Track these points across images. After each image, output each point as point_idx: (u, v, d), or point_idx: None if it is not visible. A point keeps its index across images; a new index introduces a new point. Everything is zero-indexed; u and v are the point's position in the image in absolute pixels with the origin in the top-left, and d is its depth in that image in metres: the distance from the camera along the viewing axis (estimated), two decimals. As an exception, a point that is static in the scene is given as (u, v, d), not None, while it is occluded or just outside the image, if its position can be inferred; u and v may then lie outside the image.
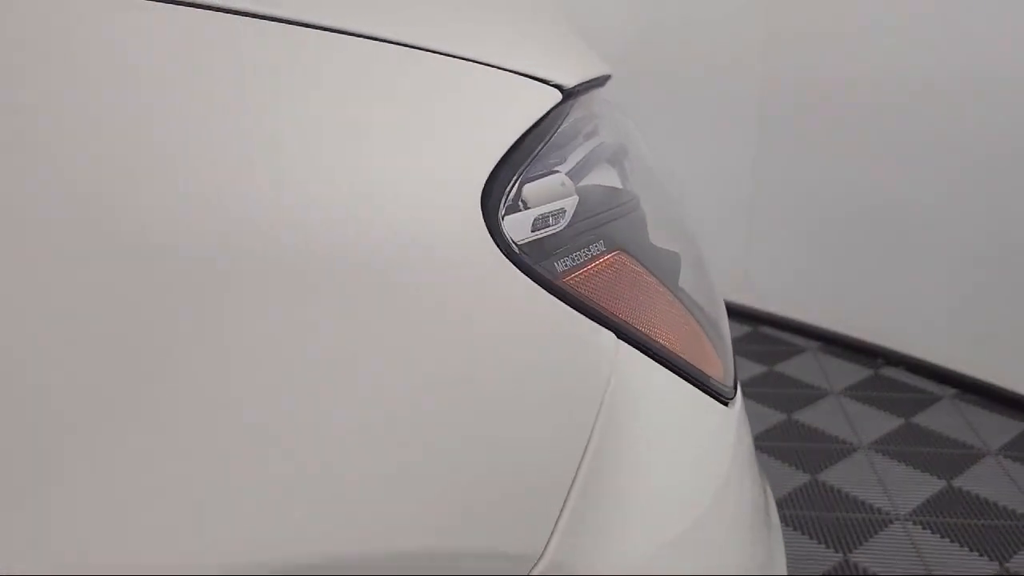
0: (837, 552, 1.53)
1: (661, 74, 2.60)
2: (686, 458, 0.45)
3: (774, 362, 2.33)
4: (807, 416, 2.02)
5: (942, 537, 1.56)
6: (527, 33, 0.44)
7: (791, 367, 2.30)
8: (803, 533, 1.59)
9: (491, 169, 0.35)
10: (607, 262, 0.39)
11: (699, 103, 2.59)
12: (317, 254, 0.29)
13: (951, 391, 2.13)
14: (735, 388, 0.50)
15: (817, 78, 2.27)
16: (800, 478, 1.76)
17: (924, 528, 1.59)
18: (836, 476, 1.77)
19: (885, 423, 1.99)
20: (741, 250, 2.61)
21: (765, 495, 0.62)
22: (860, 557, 1.51)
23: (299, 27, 0.32)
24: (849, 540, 1.57)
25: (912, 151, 2.11)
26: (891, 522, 1.61)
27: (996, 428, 1.95)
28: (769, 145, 2.45)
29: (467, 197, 0.34)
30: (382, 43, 0.34)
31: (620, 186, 0.44)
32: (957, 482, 1.74)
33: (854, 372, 2.25)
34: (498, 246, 0.34)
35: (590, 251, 0.39)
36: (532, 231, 0.36)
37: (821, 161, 2.34)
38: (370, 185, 0.31)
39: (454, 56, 0.36)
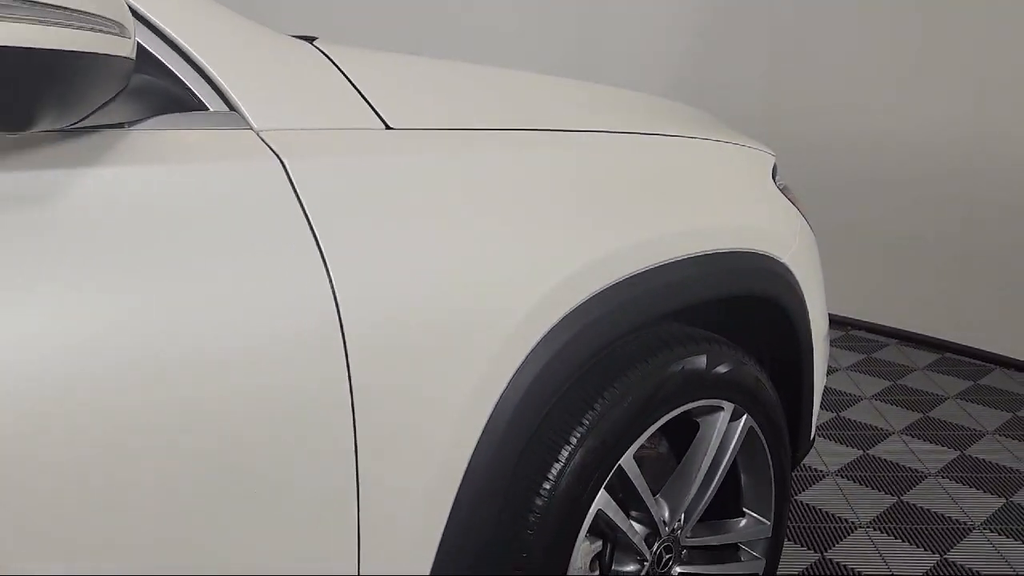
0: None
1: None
2: (818, 263, 1.57)
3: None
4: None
5: (891, 412, 2.70)
6: (725, 128, 1.54)
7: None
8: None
9: (771, 170, 1.47)
10: (791, 193, 1.51)
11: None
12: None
13: (894, 340, 3.28)
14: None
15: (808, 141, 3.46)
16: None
17: (883, 400, 2.72)
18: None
19: (853, 358, 3.13)
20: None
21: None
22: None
23: (693, 140, 1.41)
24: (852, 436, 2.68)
25: (862, 185, 3.30)
26: (858, 400, 2.74)
27: (922, 357, 3.11)
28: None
29: (768, 175, 1.46)
30: (722, 143, 1.43)
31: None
32: (902, 380, 2.88)
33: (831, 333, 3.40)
34: (775, 185, 1.45)
35: (786, 191, 1.49)
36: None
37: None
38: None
39: (735, 143, 1.46)
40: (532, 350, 1.00)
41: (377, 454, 0.88)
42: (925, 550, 1.90)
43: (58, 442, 0.68)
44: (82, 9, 0.61)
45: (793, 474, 1.59)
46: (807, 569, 1.83)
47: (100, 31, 0.63)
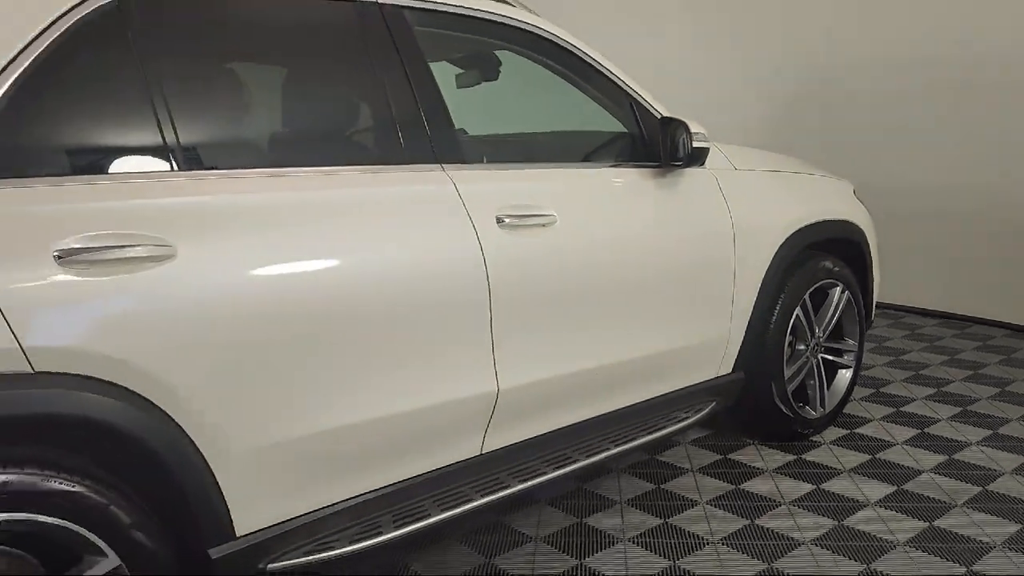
0: (874, 344, 4.43)
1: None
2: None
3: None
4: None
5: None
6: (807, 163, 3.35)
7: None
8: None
9: (853, 190, 3.30)
10: (862, 201, 3.33)
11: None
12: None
13: (905, 314, 5.07)
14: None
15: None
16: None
17: (909, 339, 4.51)
18: (870, 332, 4.68)
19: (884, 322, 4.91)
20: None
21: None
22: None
23: (825, 176, 3.18)
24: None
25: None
26: (890, 338, 4.52)
27: (926, 320, 4.89)
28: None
29: (851, 192, 3.28)
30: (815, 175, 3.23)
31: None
32: (919, 331, 4.66)
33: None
34: (855, 196, 3.29)
35: (860, 199, 3.32)
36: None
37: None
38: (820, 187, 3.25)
39: (818, 175, 3.26)
40: (779, 246, 2.84)
41: (739, 289, 2.72)
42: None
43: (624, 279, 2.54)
44: (702, 132, 2.49)
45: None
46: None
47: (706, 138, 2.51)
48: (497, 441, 2.18)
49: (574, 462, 2.36)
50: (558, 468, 2.32)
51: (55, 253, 1.45)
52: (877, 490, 2.71)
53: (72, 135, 1.61)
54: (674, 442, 3.14)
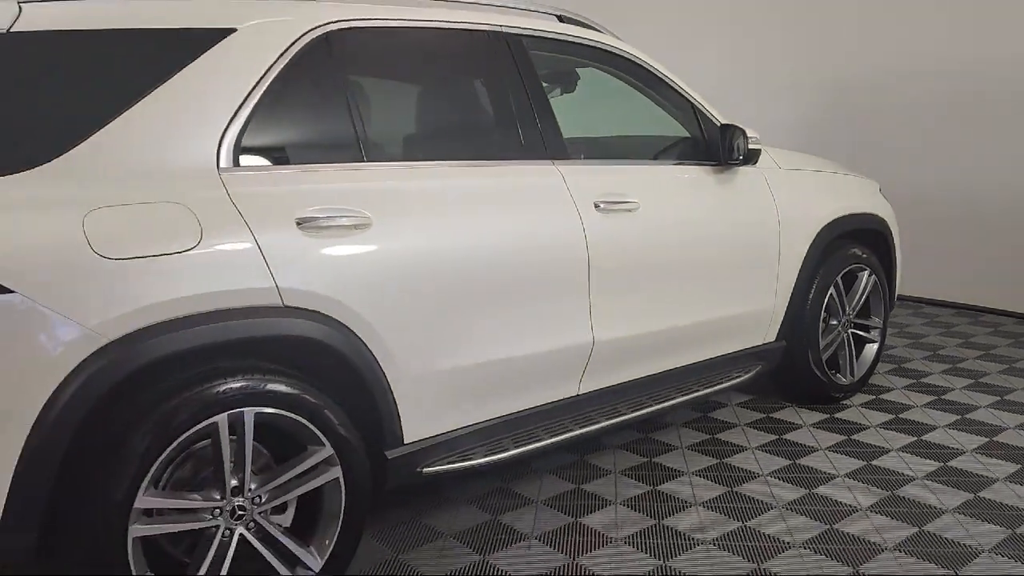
0: (896, 330, 4.91)
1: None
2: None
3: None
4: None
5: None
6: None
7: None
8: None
9: (879, 188, 3.79)
10: (887, 197, 3.83)
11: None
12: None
13: (919, 304, 5.54)
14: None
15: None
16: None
17: (926, 325, 4.98)
18: (892, 320, 5.15)
19: (905, 309, 5.38)
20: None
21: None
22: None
23: (856, 176, 3.69)
24: (899, 328, 4.97)
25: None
26: (909, 325, 5.00)
27: (942, 310, 5.36)
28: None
29: (877, 189, 3.78)
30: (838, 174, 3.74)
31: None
32: (938, 319, 5.13)
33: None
34: (880, 193, 3.79)
35: (885, 196, 3.81)
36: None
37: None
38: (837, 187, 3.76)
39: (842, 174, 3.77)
40: (816, 234, 3.35)
41: (782, 270, 3.24)
42: (946, 365, 4.17)
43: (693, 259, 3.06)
44: (755, 136, 3.01)
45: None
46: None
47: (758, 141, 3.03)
48: (590, 385, 2.70)
49: (648, 407, 2.87)
50: (636, 410, 2.83)
51: (296, 220, 1.99)
52: (899, 440, 3.20)
53: (297, 135, 2.15)
54: (722, 404, 3.64)
